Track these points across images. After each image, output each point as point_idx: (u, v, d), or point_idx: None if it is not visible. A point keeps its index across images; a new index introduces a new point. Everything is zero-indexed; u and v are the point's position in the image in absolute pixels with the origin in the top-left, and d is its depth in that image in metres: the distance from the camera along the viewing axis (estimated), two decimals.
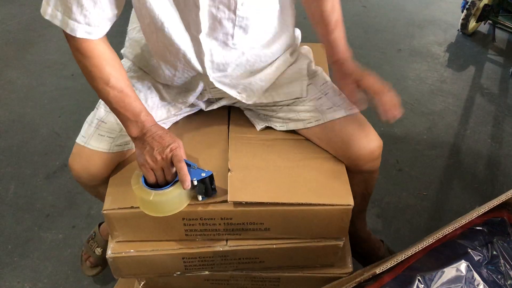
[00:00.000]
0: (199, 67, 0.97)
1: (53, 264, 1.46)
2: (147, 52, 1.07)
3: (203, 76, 1.00)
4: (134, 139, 0.93)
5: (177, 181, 0.89)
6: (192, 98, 1.07)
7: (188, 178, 0.87)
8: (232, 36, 0.93)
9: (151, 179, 0.90)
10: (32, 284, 1.41)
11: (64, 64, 2.31)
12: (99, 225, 1.40)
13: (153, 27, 0.91)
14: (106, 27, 0.89)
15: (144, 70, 1.10)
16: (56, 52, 2.41)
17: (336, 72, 1.04)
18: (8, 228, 1.56)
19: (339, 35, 1.02)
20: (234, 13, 0.88)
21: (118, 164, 1.04)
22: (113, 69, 0.90)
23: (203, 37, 0.91)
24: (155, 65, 1.04)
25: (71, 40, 0.87)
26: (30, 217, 1.60)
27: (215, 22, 0.89)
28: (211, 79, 1.00)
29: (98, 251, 1.36)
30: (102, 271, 1.38)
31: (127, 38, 1.18)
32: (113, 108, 0.93)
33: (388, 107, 0.91)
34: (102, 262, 1.37)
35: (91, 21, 0.84)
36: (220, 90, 1.04)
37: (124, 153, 1.04)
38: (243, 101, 1.07)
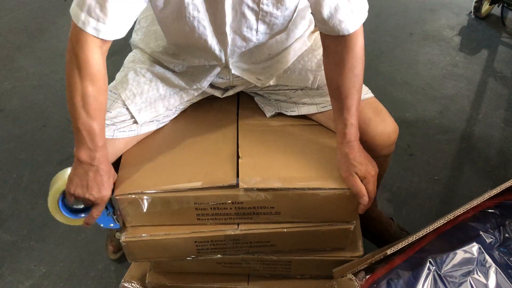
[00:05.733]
0: (221, 57, 0.96)
1: (68, 248, 1.49)
2: (162, 39, 1.06)
3: (221, 63, 0.99)
4: (79, 162, 0.89)
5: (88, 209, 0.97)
6: (206, 83, 1.05)
7: (93, 221, 0.96)
8: (256, 31, 0.91)
9: (70, 201, 0.96)
10: (48, 268, 1.44)
11: None
12: None
13: (176, 15, 0.87)
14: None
15: (156, 58, 1.08)
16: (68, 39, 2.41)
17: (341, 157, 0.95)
18: (24, 213, 1.59)
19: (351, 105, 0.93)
20: (258, 6, 0.85)
21: (123, 152, 1.04)
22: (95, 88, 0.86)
23: (228, 29, 0.89)
24: (170, 53, 1.04)
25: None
26: (45, 202, 1.60)
27: (239, 13, 0.87)
28: (230, 66, 1.00)
29: (118, 235, 1.39)
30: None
31: (137, 27, 1.17)
32: (77, 122, 0.86)
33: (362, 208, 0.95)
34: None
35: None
36: (238, 76, 1.04)
37: (128, 141, 1.04)
38: (259, 85, 1.06)
